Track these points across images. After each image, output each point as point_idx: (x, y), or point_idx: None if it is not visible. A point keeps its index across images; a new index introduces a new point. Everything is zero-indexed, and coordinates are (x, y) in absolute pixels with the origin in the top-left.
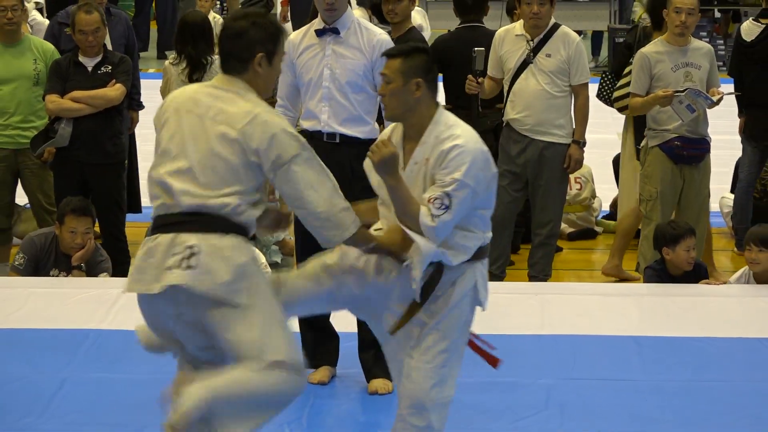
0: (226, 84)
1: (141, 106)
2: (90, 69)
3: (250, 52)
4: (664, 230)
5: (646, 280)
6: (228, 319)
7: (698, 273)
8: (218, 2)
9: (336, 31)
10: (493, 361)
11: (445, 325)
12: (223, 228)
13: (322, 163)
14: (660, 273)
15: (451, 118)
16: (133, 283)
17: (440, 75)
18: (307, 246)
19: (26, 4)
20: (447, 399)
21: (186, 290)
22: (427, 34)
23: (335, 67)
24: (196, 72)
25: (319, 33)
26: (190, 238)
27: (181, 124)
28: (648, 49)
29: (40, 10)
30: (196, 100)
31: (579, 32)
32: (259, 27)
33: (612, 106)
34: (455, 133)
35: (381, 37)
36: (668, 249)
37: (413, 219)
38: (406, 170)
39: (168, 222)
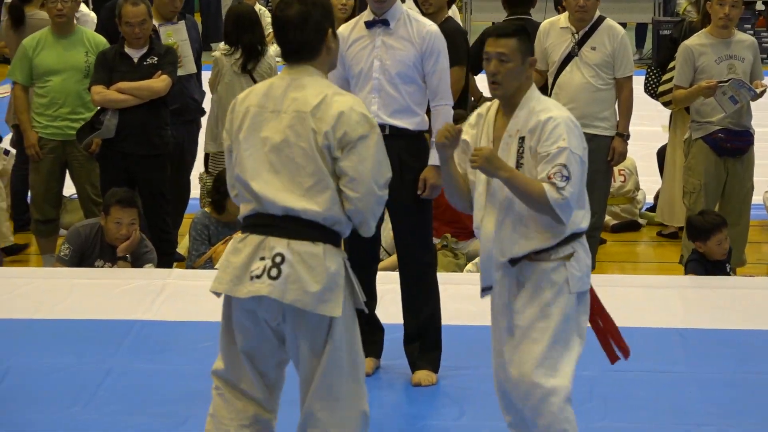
0: (296, 73)
1: (203, 112)
2: (136, 60)
3: (321, 33)
4: (696, 223)
5: (690, 272)
6: (312, 333)
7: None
8: None
9: (386, 23)
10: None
11: None
12: (313, 234)
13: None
14: (700, 262)
15: (540, 94)
16: (216, 283)
17: None
18: (355, 242)
19: None
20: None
21: (272, 300)
22: None
23: (385, 59)
24: (250, 61)
25: (369, 25)
26: (279, 244)
27: (258, 123)
28: (691, 41)
29: (86, 2)
30: (269, 95)
31: (623, 24)
32: (316, 5)
33: (658, 99)
34: (548, 106)
35: (430, 28)
36: (700, 243)
37: (540, 199)
38: (501, 144)
39: (257, 223)
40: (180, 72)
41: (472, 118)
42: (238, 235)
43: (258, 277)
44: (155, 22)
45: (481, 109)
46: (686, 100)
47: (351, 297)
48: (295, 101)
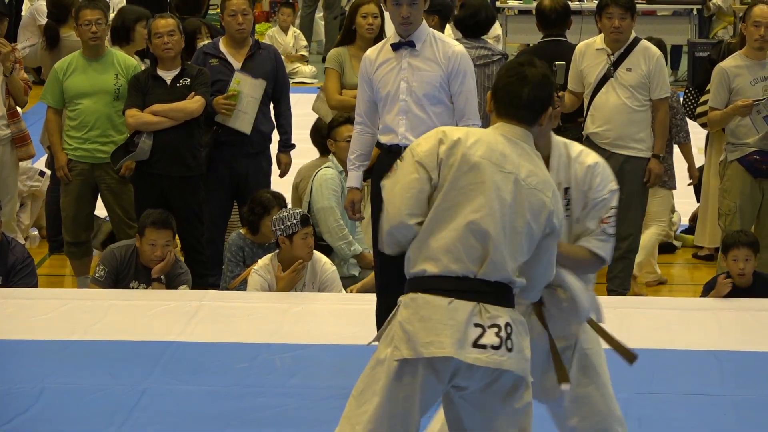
0: (522, 137)
1: (291, 146)
2: (169, 82)
3: (549, 102)
4: (725, 238)
5: (702, 295)
6: (511, 392)
7: (761, 286)
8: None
9: (412, 45)
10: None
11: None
12: (512, 302)
13: None
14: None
15: (558, 137)
16: (428, 347)
17: None
18: (386, 262)
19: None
20: None
21: (496, 371)
22: None
23: (411, 80)
24: None
25: (395, 47)
26: (501, 313)
27: (496, 179)
28: (726, 63)
29: None
30: (505, 154)
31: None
32: (550, 81)
33: (696, 120)
34: (581, 149)
35: (456, 48)
36: (723, 256)
37: (584, 262)
38: None
39: (462, 288)
40: (232, 123)
41: None
42: (430, 298)
43: (496, 347)
44: (225, 50)
45: None
46: (722, 120)
47: None
48: (534, 176)
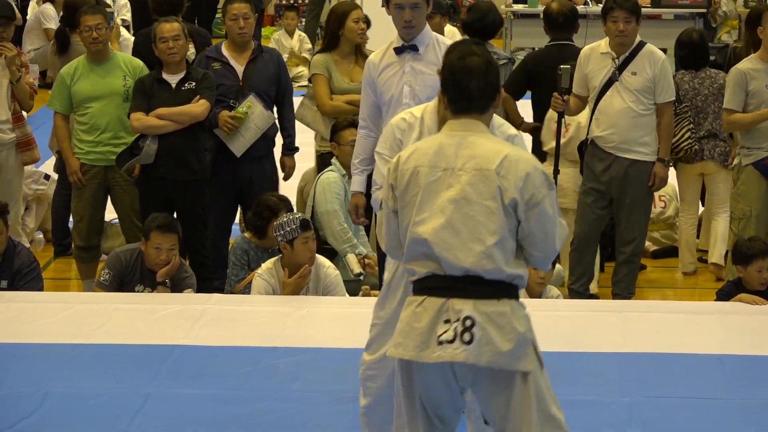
0: (462, 128)
1: (295, 150)
2: (174, 85)
3: (497, 86)
4: (741, 246)
5: (718, 298)
6: (503, 389)
7: None
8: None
9: (415, 48)
10: None
11: None
12: (497, 292)
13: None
14: (733, 291)
15: None
16: (397, 347)
17: (529, 92)
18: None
19: (117, 19)
20: None
21: (463, 364)
22: None
23: (414, 84)
24: None
25: (398, 51)
26: (465, 306)
27: (433, 182)
28: (744, 65)
29: (126, 27)
30: (440, 153)
31: (663, 50)
32: (492, 61)
33: None
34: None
35: None
36: (741, 267)
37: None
38: None
39: (435, 285)
40: (227, 141)
41: None
42: (411, 298)
43: (450, 342)
44: (227, 54)
45: None
46: (749, 123)
47: (537, 344)
48: (473, 158)
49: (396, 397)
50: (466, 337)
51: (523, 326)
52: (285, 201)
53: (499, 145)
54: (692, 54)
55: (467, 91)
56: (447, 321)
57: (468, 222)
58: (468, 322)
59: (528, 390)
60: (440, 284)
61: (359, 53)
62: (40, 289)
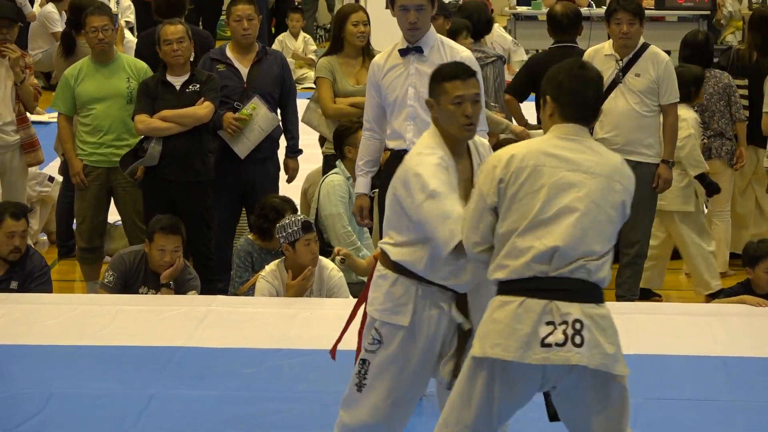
0: (576, 134)
1: (299, 152)
2: (178, 87)
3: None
4: (749, 249)
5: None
6: (603, 393)
7: None
8: None
9: (419, 50)
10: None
11: None
12: (597, 296)
13: None
14: (741, 293)
15: None
16: (495, 348)
17: (533, 94)
18: None
19: (121, 21)
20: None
21: (560, 366)
22: None
23: (419, 86)
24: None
25: (403, 52)
26: (571, 309)
27: (555, 179)
28: None
29: (131, 29)
30: (561, 157)
31: (667, 52)
32: (602, 78)
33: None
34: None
35: (464, 54)
36: (749, 269)
37: None
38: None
39: (536, 287)
40: (231, 142)
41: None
42: (504, 299)
43: (561, 344)
44: (231, 56)
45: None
46: None
47: None
48: (598, 164)
49: (461, 395)
50: (577, 339)
51: (617, 329)
52: (289, 202)
53: (610, 154)
54: (697, 54)
55: (584, 100)
56: (549, 323)
57: (594, 227)
58: (578, 325)
59: (626, 394)
60: (544, 286)
61: (366, 55)
62: (49, 293)
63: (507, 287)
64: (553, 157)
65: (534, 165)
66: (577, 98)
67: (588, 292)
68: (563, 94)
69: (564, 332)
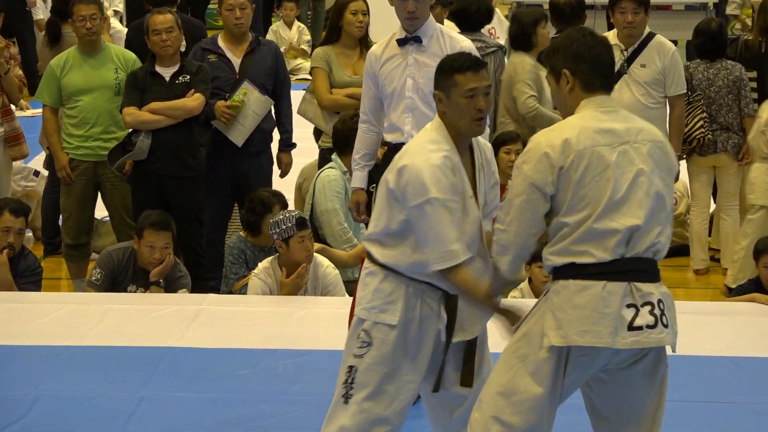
0: (609, 105)
1: (292, 146)
2: (167, 79)
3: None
4: (758, 245)
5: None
6: (660, 372)
7: None
8: None
9: (418, 40)
10: None
11: None
12: (659, 274)
13: None
14: (752, 290)
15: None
16: (584, 335)
17: None
18: None
19: (106, 12)
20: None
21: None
22: None
23: (418, 77)
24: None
25: (401, 42)
26: (652, 290)
27: (615, 158)
28: None
29: (120, 19)
30: (606, 131)
31: (673, 41)
32: None
33: None
34: None
35: (464, 44)
36: (756, 264)
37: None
38: (480, 177)
39: (613, 270)
40: (226, 132)
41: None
42: (583, 283)
43: (652, 327)
44: (223, 46)
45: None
46: None
47: None
48: (641, 131)
49: (533, 375)
50: (665, 320)
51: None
52: (278, 196)
53: (639, 119)
54: (709, 43)
55: (608, 65)
56: (630, 305)
57: (660, 196)
58: (662, 305)
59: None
60: (622, 268)
61: (364, 46)
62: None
63: (581, 271)
64: (606, 133)
65: (592, 146)
66: (600, 65)
67: (656, 272)
68: (584, 63)
69: (652, 313)
